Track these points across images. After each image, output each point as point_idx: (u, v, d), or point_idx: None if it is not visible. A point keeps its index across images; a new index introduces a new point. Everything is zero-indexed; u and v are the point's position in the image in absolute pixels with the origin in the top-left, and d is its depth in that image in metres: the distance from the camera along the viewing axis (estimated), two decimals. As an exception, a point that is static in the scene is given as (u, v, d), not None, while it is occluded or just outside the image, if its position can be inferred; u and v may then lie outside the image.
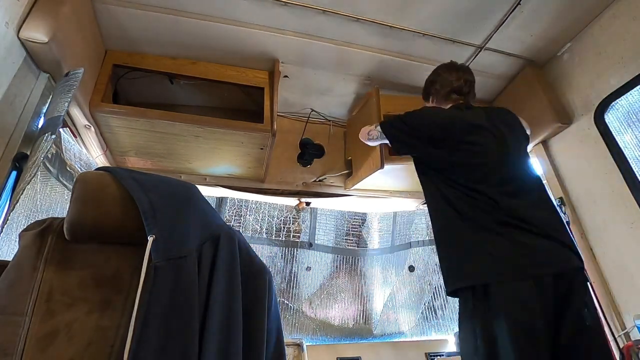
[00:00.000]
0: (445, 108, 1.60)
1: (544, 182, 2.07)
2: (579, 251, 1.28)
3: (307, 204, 2.51)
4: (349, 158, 2.37)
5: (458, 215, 1.32)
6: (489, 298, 1.16)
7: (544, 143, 2.03)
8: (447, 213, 1.36)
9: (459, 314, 1.27)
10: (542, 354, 1.09)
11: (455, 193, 1.36)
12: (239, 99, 2.15)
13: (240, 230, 1.25)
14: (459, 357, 1.32)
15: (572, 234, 1.67)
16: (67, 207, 0.82)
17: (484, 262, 1.21)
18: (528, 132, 1.61)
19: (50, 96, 1.34)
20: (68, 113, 1.55)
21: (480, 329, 1.16)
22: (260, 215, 2.57)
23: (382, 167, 1.91)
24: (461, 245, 1.30)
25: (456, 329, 1.66)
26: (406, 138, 1.52)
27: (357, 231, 2.79)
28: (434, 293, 2.79)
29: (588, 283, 1.25)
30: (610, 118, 1.72)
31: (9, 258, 0.83)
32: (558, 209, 1.64)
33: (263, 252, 2.50)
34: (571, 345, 1.13)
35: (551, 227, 1.25)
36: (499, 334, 1.12)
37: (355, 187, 2.32)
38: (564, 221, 1.44)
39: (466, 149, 1.39)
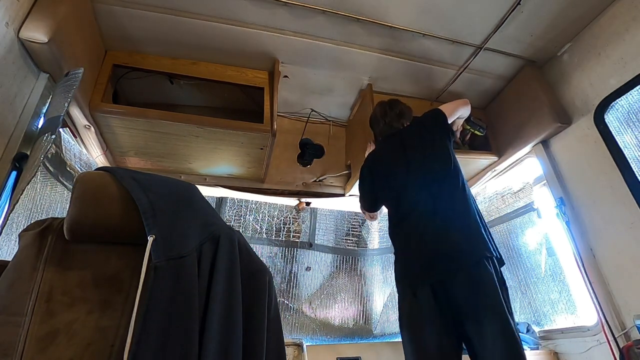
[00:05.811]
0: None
1: (543, 182, 2.08)
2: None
3: (307, 204, 2.51)
4: (349, 163, 2.36)
5: None
6: None
7: (544, 143, 2.03)
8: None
9: None
10: None
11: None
12: (239, 99, 2.15)
13: (240, 230, 1.25)
14: None
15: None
16: (67, 207, 0.82)
17: None
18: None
19: (50, 96, 1.34)
20: (68, 113, 1.55)
21: None
22: (260, 215, 2.57)
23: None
24: None
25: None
26: None
27: (357, 231, 2.79)
28: (434, 293, 2.78)
29: None
30: (610, 118, 1.72)
31: (9, 258, 0.83)
32: None
33: (263, 252, 2.50)
34: None
35: None
36: None
37: (355, 190, 2.31)
38: None
39: None
